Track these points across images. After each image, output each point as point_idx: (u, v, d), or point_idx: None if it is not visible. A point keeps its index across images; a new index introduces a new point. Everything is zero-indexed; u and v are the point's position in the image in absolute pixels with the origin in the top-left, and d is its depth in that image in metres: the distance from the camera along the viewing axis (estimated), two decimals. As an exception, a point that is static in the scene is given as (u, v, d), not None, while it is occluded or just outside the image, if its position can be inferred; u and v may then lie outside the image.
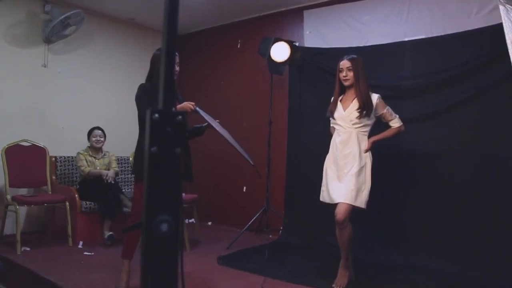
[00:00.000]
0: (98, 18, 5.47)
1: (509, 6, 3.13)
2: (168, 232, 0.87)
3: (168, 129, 0.88)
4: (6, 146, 4.42)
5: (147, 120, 0.86)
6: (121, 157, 5.21)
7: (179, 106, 3.07)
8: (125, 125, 5.50)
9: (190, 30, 6.19)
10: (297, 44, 4.73)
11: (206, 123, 3.24)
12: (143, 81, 5.28)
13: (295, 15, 5.05)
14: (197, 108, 3.08)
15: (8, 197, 4.28)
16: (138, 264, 2.59)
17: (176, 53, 3.16)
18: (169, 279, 0.91)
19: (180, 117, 0.90)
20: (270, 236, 4.88)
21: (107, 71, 5.65)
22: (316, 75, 4.73)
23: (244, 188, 5.39)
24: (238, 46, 5.57)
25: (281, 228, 4.86)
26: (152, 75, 3.25)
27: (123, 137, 5.26)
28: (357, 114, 3.19)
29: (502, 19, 3.13)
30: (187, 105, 3.05)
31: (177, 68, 3.24)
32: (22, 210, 4.58)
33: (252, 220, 4.68)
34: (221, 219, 5.56)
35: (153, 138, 0.86)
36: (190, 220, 5.03)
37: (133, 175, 3.84)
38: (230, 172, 5.44)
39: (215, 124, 3.18)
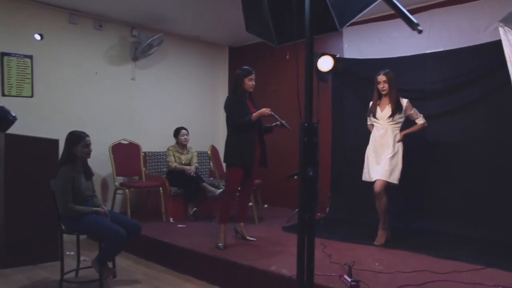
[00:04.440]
0: (171, 37, 6.64)
1: (507, 28, 4.09)
2: (312, 175, 1.97)
3: (310, 129, 1.98)
4: (112, 144, 5.66)
5: (301, 126, 1.95)
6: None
7: (258, 112, 4.17)
8: (195, 125, 6.71)
9: (244, 43, 7.33)
10: (338, 56, 5.78)
11: (275, 123, 4.35)
12: (207, 88, 6.68)
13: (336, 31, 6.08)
14: (272, 112, 4.19)
15: (116, 183, 5.53)
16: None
17: (253, 72, 4.30)
18: (312, 198, 2.00)
19: (315, 124, 2.00)
20: (319, 214, 5.95)
21: (179, 82, 6.87)
22: (354, 81, 5.76)
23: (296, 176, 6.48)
24: (287, 57, 6.66)
25: (328, 206, 5.95)
26: (236, 89, 4.34)
27: (195, 135, 6.44)
28: (390, 115, 4.28)
29: (502, 38, 4.08)
30: (265, 110, 4.15)
31: (253, 83, 4.35)
32: (118, 196, 5.79)
33: (305, 200, 5.76)
34: (276, 202, 6.68)
35: (304, 134, 1.96)
36: (250, 204, 6.12)
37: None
38: (285, 161, 6.49)
39: (284, 122, 4.25)
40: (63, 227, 3.77)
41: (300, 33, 2.20)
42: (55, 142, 4.54)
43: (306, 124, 1.99)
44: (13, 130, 4.34)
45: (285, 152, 6.42)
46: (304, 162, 1.99)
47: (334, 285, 3.11)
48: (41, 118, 5.20)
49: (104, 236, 3.70)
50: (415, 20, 1.48)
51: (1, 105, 1.70)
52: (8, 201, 4.32)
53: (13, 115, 1.73)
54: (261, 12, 2.43)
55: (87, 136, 3.78)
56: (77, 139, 3.73)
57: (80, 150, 3.72)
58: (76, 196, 3.71)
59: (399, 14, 1.55)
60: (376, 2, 2.01)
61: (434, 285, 3.13)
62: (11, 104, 4.87)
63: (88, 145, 3.76)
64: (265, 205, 6.71)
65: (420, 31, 1.48)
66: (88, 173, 3.92)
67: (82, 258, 4.26)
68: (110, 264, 3.97)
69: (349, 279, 3.12)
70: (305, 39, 2.05)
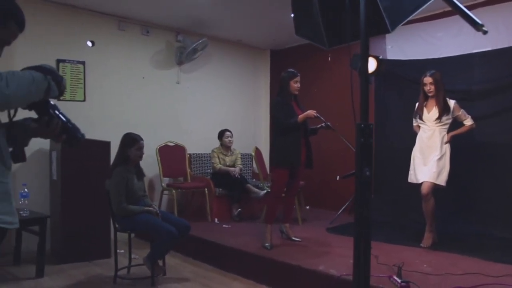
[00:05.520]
0: (214, 42, 6.74)
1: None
2: (369, 175, 2.01)
3: (366, 131, 2.02)
4: (158, 146, 5.83)
5: (357, 127, 2.00)
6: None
7: (304, 114, 4.22)
8: (238, 127, 6.82)
9: (285, 46, 7.40)
10: (381, 57, 5.75)
11: (320, 125, 4.40)
12: (250, 91, 6.78)
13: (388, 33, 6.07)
14: (317, 114, 4.24)
15: (163, 184, 5.69)
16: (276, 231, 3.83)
17: (298, 74, 4.35)
18: (367, 196, 2.03)
19: (371, 125, 2.04)
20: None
21: (222, 85, 7.02)
22: (398, 82, 5.72)
23: (337, 177, 6.49)
24: (329, 59, 6.69)
25: (371, 208, 5.91)
26: (281, 91, 4.41)
27: (238, 137, 6.54)
28: (438, 117, 4.25)
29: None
30: (310, 112, 4.21)
31: (299, 85, 4.40)
32: (164, 196, 5.95)
33: (348, 202, 5.78)
34: (318, 203, 6.70)
35: (361, 135, 2.00)
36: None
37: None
38: (325, 163, 6.51)
39: (330, 124, 4.30)
40: (116, 225, 3.94)
41: (351, 35, 2.24)
42: (107, 144, 4.74)
43: (362, 125, 2.03)
44: (68, 132, 4.59)
45: (326, 154, 6.44)
46: (361, 162, 2.03)
47: (384, 286, 3.13)
48: (92, 121, 5.41)
49: (156, 234, 3.84)
50: (479, 21, 1.49)
51: (73, 123, 1.82)
52: (63, 200, 4.54)
53: (82, 133, 1.84)
54: (312, 15, 2.48)
55: (141, 139, 3.94)
56: (132, 142, 3.89)
57: (133, 153, 3.88)
58: (129, 196, 3.86)
59: (462, 15, 1.57)
60: (427, 4, 2.04)
61: (487, 288, 3.10)
62: (65, 108, 5.07)
63: (141, 148, 3.92)
64: (307, 207, 6.74)
65: (485, 32, 1.50)
66: (140, 174, 4.08)
67: (132, 256, 4.41)
68: (160, 262, 4.10)
69: (399, 280, 3.13)
70: (361, 42, 2.09)
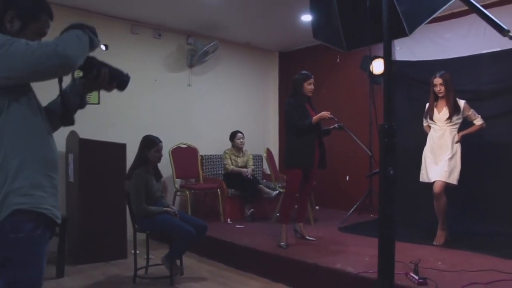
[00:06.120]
0: (224, 44, 6.80)
1: None
2: (392, 173, 2.08)
3: (390, 131, 2.09)
4: (171, 148, 5.91)
5: (381, 128, 2.07)
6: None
7: (318, 115, 4.30)
8: (248, 128, 6.89)
9: (294, 48, 7.48)
10: (390, 58, 5.83)
11: (332, 126, 4.48)
12: (259, 92, 6.85)
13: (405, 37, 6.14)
14: (331, 115, 4.32)
15: (177, 185, 5.77)
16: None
17: (312, 76, 4.42)
18: (390, 191, 2.10)
19: (394, 125, 2.12)
20: (371, 215, 6.00)
21: (232, 87, 7.11)
22: (407, 83, 5.78)
23: (347, 177, 6.57)
24: (337, 61, 6.76)
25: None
26: (295, 92, 4.48)
27: (247, 139, 6.60)
28: (448, 117, 4.32)
29: None
30: (324, 114, 4.29)
31: (312, 87, 4.48)
32: (176, 197, 6.04)
33: (359, 202, 5.84)
34: (327, 203, 6.77)
35: (385, 135, 2.08)
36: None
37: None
38: (335, 164, 6.55)
39: (343, 125, 4.40)
40: (135, 226, 4.02)
41: (371, 38, 2.31)
42: (123, 146, 4.82)
43: (386, 126, 2.10)
44: (84, 134, 4.70)
45: (336, 154, 6.50)
46: (385, 162, 2.10)
47: (402, 283, 3.19)
48: (107, 123, 5.51)
49: (175, 234, 3.92)
50: (505, 26, 1.56)
51: (115, 67, 1.86)
52: (81, 202, 4.63)
53: (126, 73, 1.88)
54: (331, 19, 2.54)
55: (160, 142, 4.04)
56: (151, 144, 3.97)
57: (153, 154, 3.97)
58: (148, 197, 3.95)
59: (486, 20, 1.63)
60: (444, 8, 2.11)
61: (504, 284, 3.16)
62: (81, 111, 5.22)
63: (159, 150, 4.01)
64: (317, 207, 6.81)
65: (511, 38, 1.56)
66: (158, 175, 4.17)
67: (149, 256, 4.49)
68: (177, 262, 4.18)
69: (416, 277, 3.19)
70: (384, 45, 2.15)
